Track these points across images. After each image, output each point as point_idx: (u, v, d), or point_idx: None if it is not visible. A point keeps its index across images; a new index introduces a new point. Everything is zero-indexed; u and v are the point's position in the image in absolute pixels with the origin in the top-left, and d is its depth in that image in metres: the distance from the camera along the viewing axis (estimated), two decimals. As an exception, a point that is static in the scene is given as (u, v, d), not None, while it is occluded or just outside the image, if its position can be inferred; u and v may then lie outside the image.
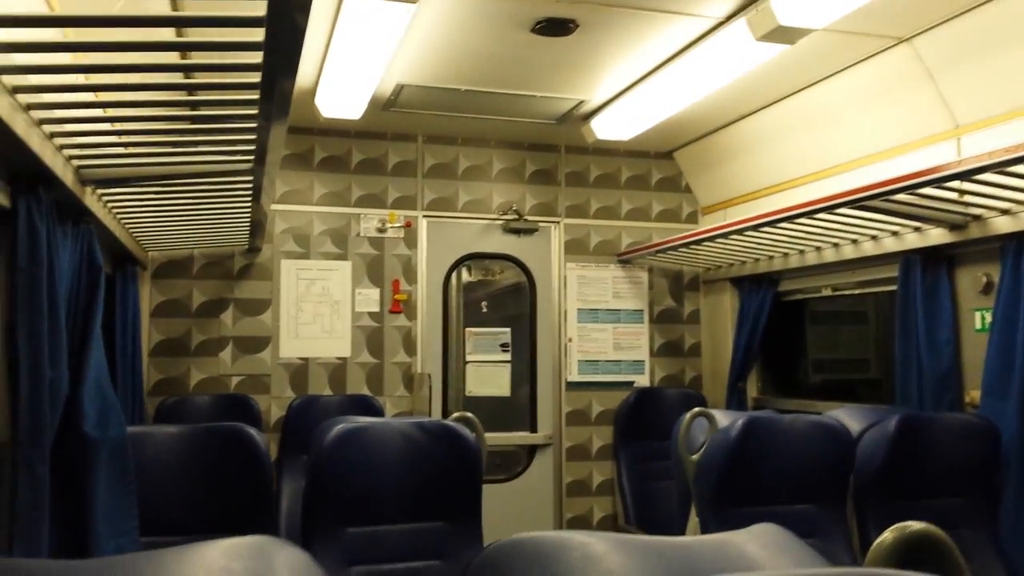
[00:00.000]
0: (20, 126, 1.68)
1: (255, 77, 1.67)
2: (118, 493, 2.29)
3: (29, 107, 1.72)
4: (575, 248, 5.26)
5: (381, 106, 4.36)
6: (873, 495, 3.06)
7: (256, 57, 1.57)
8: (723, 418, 3.18)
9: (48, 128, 1.90)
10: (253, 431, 2.53)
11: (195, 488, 2.50)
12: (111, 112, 2.21)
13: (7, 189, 1.94)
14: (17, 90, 1.63)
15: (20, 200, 1.95)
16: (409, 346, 4.90)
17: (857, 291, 4.36)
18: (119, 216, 3.09)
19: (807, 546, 0.95)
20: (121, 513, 2.29)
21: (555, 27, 3.30)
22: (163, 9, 2.60)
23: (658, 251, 4.87)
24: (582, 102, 4.30)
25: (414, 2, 2.78)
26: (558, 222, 5.26)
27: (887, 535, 0.87)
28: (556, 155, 5.27)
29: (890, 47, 3.49)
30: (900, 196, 3.09)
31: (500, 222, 5.15)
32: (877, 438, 3.08)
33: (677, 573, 0.79)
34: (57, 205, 2.14)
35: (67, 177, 2.14)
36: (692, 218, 5.46)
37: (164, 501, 2.47)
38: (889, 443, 3.01)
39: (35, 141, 1.80)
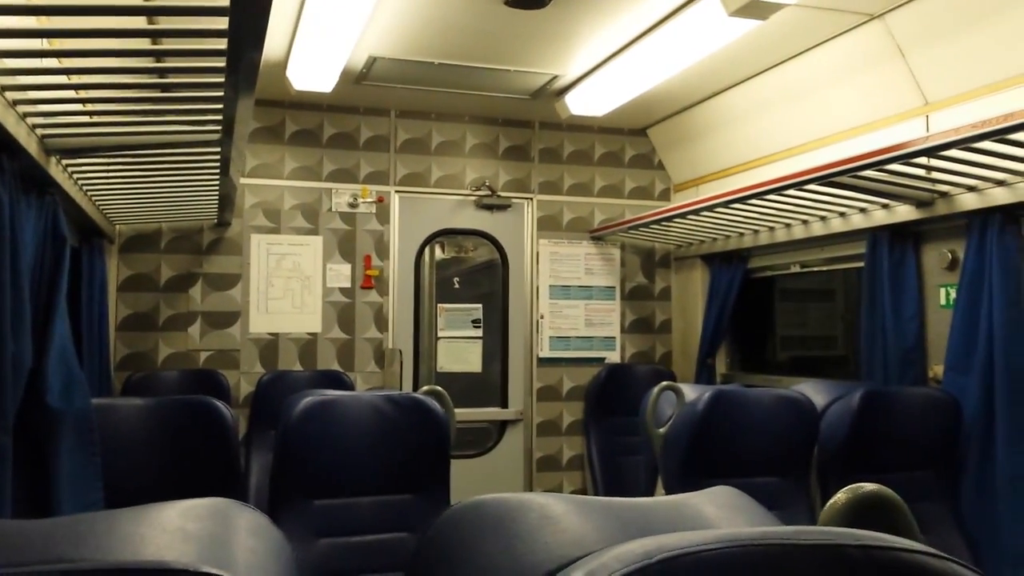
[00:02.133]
0: (-21, 91, 1.65)
1: (222, 44, 1.65)
2: (82, 465, 2.27)
3: (-11, 72, 1.69)
4: (548, 224, 5.27)
5: (353, 79, 4.32)
6: (836, 468, 3.10)
7: (222, 23, 1.55)
8: (691, 392, 3.20)
9: (11, 95, 1.87)
10: (220, 403, 2.52)
11: (161, 461, 2.49)
12: (76, 79, 2.17)
13: (-33, 157, 1.91)
14: (-24, 54, 1.60)
15: (-20, 168, 1.91)
16: (380, 322, 4.89)
17: (825, 268, 4.40)
18: (85, 188, 3.05)
19: (763, 508, 0.96)
20: (85, 485, 2.28)
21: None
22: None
23: (630, 228, 4.89)
24: (556, 77, 4.29)
25: (384, -28, 2.75)
26: (531, 198, 5.25)
27: (840, 496, 0.89)
28: (530, 131, 5.26)
29: (862, 23, 3.51)
30: (868, 172, 3.12)
31: (473, 198, 5.14)
32: (841, 412, 3.13)
33: (634, 532, 0.80)
34: (21, 175, 2.10)
35: (31, 146, 2.11)
36: (665, 195, 5.48)
37: (130, 474, 2.45)
38: (853, 417, 3.05)
39: (-4, 107, 1.77)
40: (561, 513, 0.87)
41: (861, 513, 0.89)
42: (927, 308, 3.61)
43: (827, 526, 0.87)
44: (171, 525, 0.81)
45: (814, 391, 3.26)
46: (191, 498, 0.94)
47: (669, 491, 2.96)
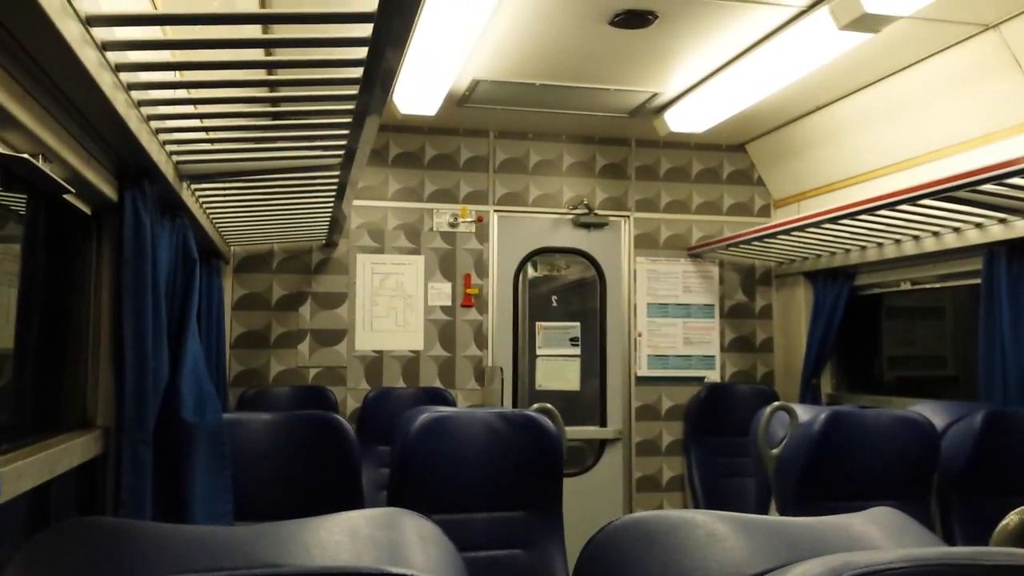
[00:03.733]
0: (133, 122, 1.75)
1: (350, 73, 1.72)
2: (215, 478, 2.36)
3: (140, 104, 1.79)
4: (645, 242, 5.25)
5: (456, 102, 4.40)
6: (957, 492, 3.00)
7: (353, 53, 1.61)
8: (803, 413, 3.15)
9: (155, 124, 1.97)
10: (341, 419, 2.59)
11: (285, 475, 2.57)
12: (202, 109, 2.28)
13: (114, 183, 2.02)
14: (131, 87, 1.70)
15: (127, 193, 2.03)
16: (480, 340, 4.95)
17: (938, 285, 4.27)
18: (208, 211, 3.19)
19: (927, 529, 0.95)
20: (218, 497, 2.37)
21: (634, 19, 3.30)
22: (256, 7, 2.68)
23: (729, 245, 4.83)
24: (656, 94, 4.29)
25: (496, -3, 2.81)
26: (628, 216, 5.25)
27: (1012, 517, 0.87)
28: (626, 149, 5.27)
29: (976, 34, 3.41)
30: (986, 186, 3.02)
31: (570, 216, 5.16)
32: (962, 434, 3.03)
33: (805, 552, 0.80)
34: (158, 199, 2.22)
35: (168, 172, 2.22)
36: (764, 211, 5.40)
37: (255, 487, 2.54)
38: (975, 439, 2.96)
39: (144, 136, 1.88)
40: (727, 532, 0.87)
41: (1033, 536, 0.87)
42: (1049, 326, 3.47)
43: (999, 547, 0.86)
44: (361, 533, 0.84)
45: (932, 412, 3.17)
46: (314, 511, 0.98)
47: (783, 513, 2.91)
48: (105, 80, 1.53)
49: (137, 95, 1.77)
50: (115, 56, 1.57)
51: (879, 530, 0.93)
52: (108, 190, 1.99)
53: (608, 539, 0.95)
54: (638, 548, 0.91)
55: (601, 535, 0.97)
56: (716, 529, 0.88)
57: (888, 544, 0.90)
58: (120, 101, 1.64)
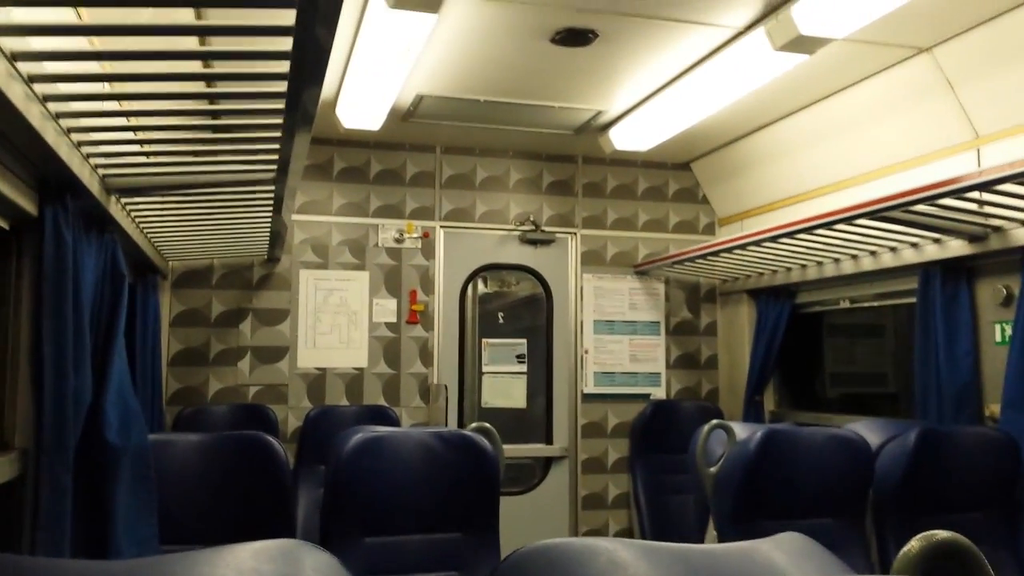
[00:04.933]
0: (50, 134, 1.70)
1: (280, 86, 1.69)
2: (138, 501, 2.30)
3: (58, 115, 1.74)
4: (592, 259, 5.27)
5: (400, 117, 4.38)
6: (892, 509, 3.04)
7: (281, 67, 1.58)
8: (741, 431, 3.16)
9: (76, 137, 1.92)
10: (273, 440, 2.54)
11: (214, 497, 2.51)
12: (134, 121, 2.23)
13: (34, 197, 1.96)
14: (47, 98, 1.65)
15: (47, 208, 1.97)
16: (426, 357, 4.91)
17: (875, 303, 4.34)
18: (141, 225, 3.12)
19: (832, 555, 0.95)
20: (141, 521, 2.30)
21: (575, 37, 3.31)
22: (188, 20, 2.63)
23: (675, 262, 4.87)
24: (600, 112, 4.31)
25: (435, 12, 2.80)
26: (575, 233, 5.26)
27: (914, 543, 0.87)
28: (573, 166, 5.29)
29: (910, 57, 3.49)
30: (920, 207, 3.08)
31: (517, 233, 5.16)
32: (896, 452, 3.06)
33: (705, 580, 0.79)
34: (82, 213, 2.16)
35: (93, 186, 2.16)
36: (709, 229, 5.45)
37: (182, 510, 2.48)
38: (908, 457, 2.99)
39: (64, 149, 1.82)
40: (630, 559, 0.86)
41: (935, 561, 0.87)
42: (982, 345, 3.54)
43: (901, 575, 0.85)
44: (246, 567, 0.81)
45: (868, 430, 3.20)
46: (243, 534, 0.95)
47: (721, 531, 2.92)
48: (15, 92, 1.49)
49: (55, 107, 1.72)
50: (28, 67, 1.52)
51: (783, 556, 0.92)
52: (27, 204, 1.93)
53: (512, 569, 0.93)
54: (542, 577, 0.89)
55: (505, 564, 0.95)
56: (618, 557, 0.86)
57: (791, 571, 0.89)
58: (34, 114, 1.59)
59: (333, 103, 3.97)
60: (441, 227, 5.04)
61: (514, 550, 0.96)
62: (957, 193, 2.85)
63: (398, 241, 4.94)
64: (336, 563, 0.91)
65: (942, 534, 0.89)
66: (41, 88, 1.61)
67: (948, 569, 0.89)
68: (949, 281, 3.59)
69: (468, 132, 4.77)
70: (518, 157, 5.20)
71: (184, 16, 2.77)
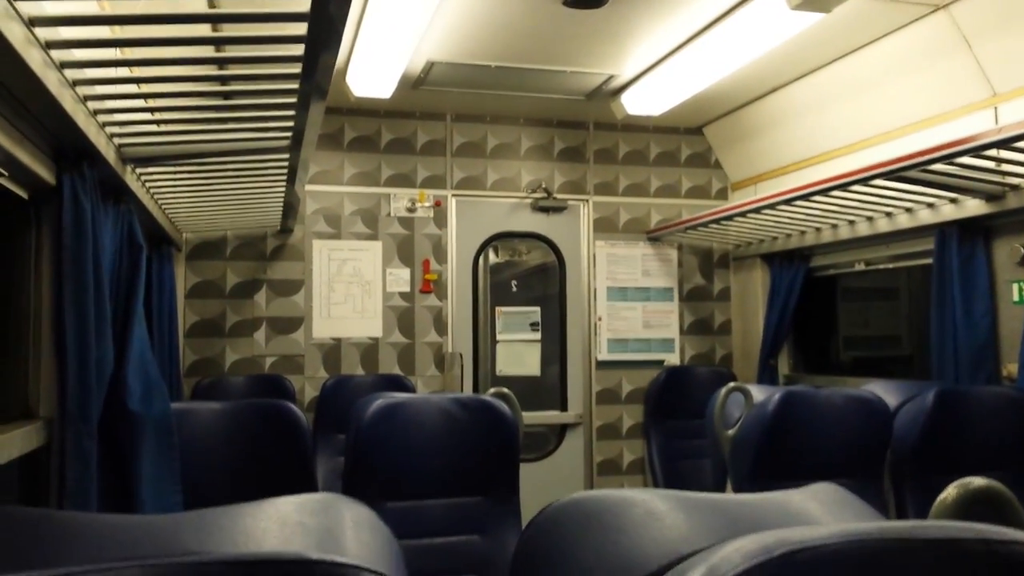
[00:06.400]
0: (68, 102, 1.70)
1: (294, 50, 1.68)
2: (162, 468, 2.32)
3: (75, 83, 1.74)
4: (604, 226, 5.25)
5: (411, 84, 4.36)
6: (909, 469, 3.04)
7: (296, 29, 1.57)
8: (758, 393, 3.16)
9: (92, 105, 1.91)
10: (293, 407, 2.55)
11: (237, 463, 2.53)
12: (147, 88, 2.22)
13: (51, 166, 1.96)
14: (64, 65, 1.64)
15: (65, 176, 1.97)
16: (440, 326, 4.92)
17: (891, 265, 4.31)
18: (156, 196, 3.12)
19: (867, 504, 0.95)
20: (166, 489, 2.32)
21: (587, -1, 3.28)
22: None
23: (688, 228, 4.85)
24: (612, 77, 4.27)
25: (447, -23, 2.77)
26: (587, 200, 5.24)
27: (950, 490, 0.87)
28: (585, 132, 5.25)
29: (927, 15, 3.44)
30: (937, 166, 3.05)
31: (529, 200, 5.14)
32: (914, 412, 3.06)
33: (743, 528, 0.79)
34: (100, 183, 2.16)
35: (110, 155, 2.16)
36: (722, 194, 5.42)
37: (205, 477, 2.50)
38: (926, 417, 2.99)
39: (81, 117, 1.82)
40: (666, 509, 0.86)
41: (971, 508, 0.87)
42: (999, 305, 3.52)
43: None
44: (290, 519, 0.82)
45: (885, 391, 3.20)
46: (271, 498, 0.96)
47: (739, 493, 2.93)
48: (34, 58, 1.48)
49: (72, 74, 1.71)
50: (45, 32, 1.52)
51: (818, 506, 0.93)
52: (45, 173, 1.93)
53: (548, 520, 0.94)
54: (576, 528, 0.89)
55: (541, 517, 0.95)
56: (654, 507, 0.87)
57: (827, 519, 0.89)
58: (52, 80, 1.59)
59: (344, 71, 3.95)
60: (453, 196, 5.03)
61: (550, 503, 0.96)
62: (975, 151, 2.83)
63: (410, 210, 4.93)
64: (374, 515, 0.92)
65: (978, 481, 0.89)
66: (58, 55, 1.61)
67: (984, 514, 0.89)
68: (966, 241, 3.57)
69: (479, 99, 4.74)
70: (529, 124, 5.17)
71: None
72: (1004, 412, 3.10)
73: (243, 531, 0.78)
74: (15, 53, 1.39)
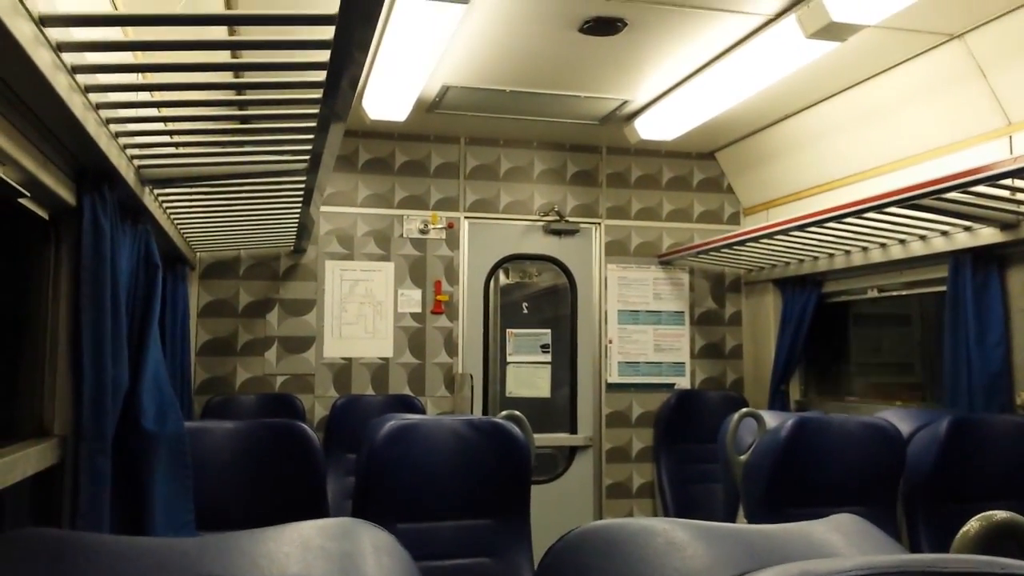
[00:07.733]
0: (91, 125, 1.72)
1: (317, 76, 1.69)
2: (176, 487, 2.32)
3: (98, 106, 1.76)
4: (616, 249, 5.26)
5: (426, 108, 4.39)
6: (923, 498, 3.02)
7: (317, 56, 1.59)
8: (771, 419, 3.15)
9: (114, 127, 1.94)
10: (306, 427, 2.56)
11: (249, 483, 2.53)
12: (167, 112, 2.25)
13: (72, 187, 1.98)
14: (88, 89, 1.66)
15: (86, 197, 1.99)
16: (450, 347, 4.92)
17: (904, 292, 4.30)
18: (172, 216, 3.14)
19: (889, 536, 0.95)
20: (179, 507, 2.32)
21: (604, 26, 3.30)
22: (221, 9, 2.65)
23: (699, 252, 4.85)
24: (626, 102, 4.30)
25: (465, 2, 2.80)
26: (599, 223, 5.26)
27: (973, 523, 0.86)
28: (597, 156, 5.27)
29: (941, 43, 3.45)
30: (951, 195, 3.05)
31: (541, 223, 5.16)
32: (927, 440, 3.05)
33: (764, 559, 0.79)
34: (119, 204, 2.18)
35: (129, 176, 2.18)
36: (734, 219, 5.43)
37: (218, 496, 2.50)
38: (940, 445, 2.97)
39: (103, 140, 1.84)
40: (687, 539, 0.86)
41: (994, 541, 0.87)
42: (1013, 333, 3.51)
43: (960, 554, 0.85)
44: (312, 544, 0.83)
45: (898, 418, 3.18)
46: (277, 520, 0.96)
47: (751, 520, 2.91)
48: (60, 82, 1.50)
49: (95, 97, 1.73)
50: (71, 57, 1.54)
51: (841, 537, 0.92)
52: (66, 194, 1.95)
53: (567, 548, 0.94)
54: (596, 557, 0.89)
55: (561, 544, 0.95)
56: (675, 537, 0.87)
57: (849, 551, 0.89)
58: (77, 103, 1.61)
59: (360, 95, 3.98)
60: (465, 218, 5.05)
61: (569, 530, 0.96)
62: (990, 180, 2.83)
63: (423, 232, 4.95)
64: (392, 539, 0.92)
65: (1001, 514, 0.88)
66: (83, 79, 1.63)
67: (1006, 548, 0.88)
68: (980, 269, 3.56)
69: (492, 123, 4.77)
70: (542, 148, 5.19)
71: (215, 6, 2.79)
72: (1018, 440, 3.09)
73: (266, 555, 0.79)
74: (43, 78, 1.41)
